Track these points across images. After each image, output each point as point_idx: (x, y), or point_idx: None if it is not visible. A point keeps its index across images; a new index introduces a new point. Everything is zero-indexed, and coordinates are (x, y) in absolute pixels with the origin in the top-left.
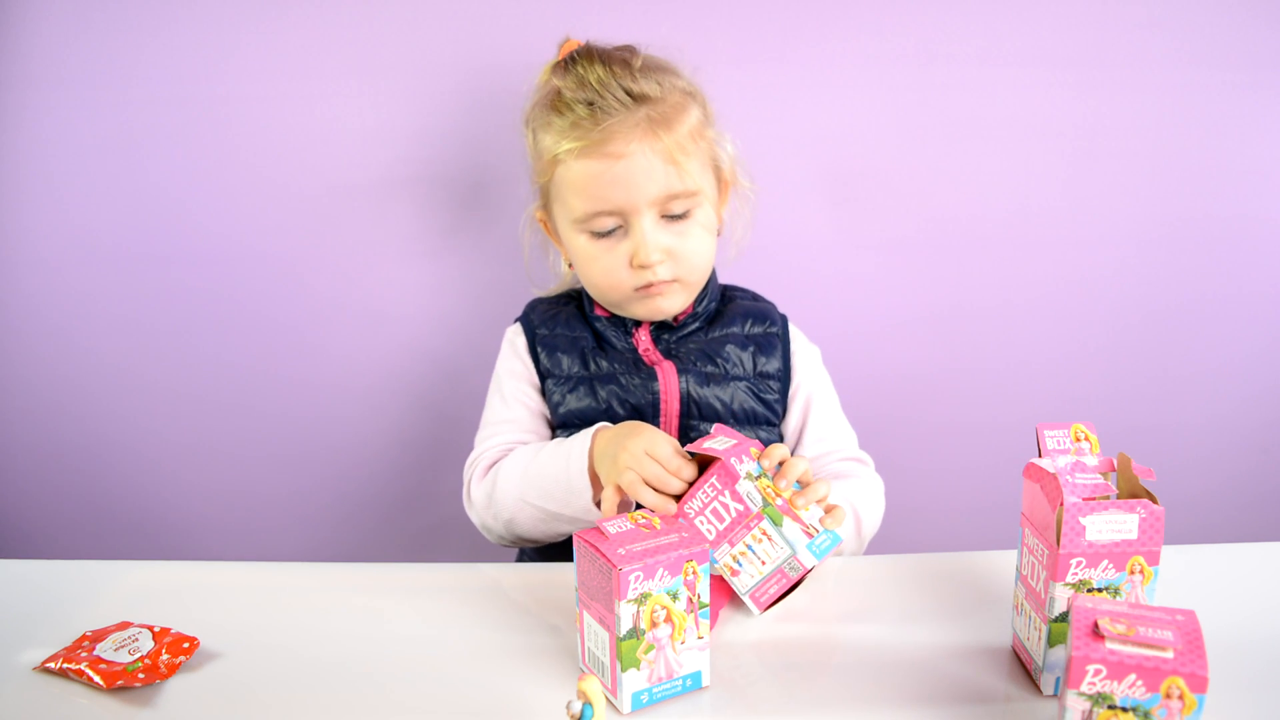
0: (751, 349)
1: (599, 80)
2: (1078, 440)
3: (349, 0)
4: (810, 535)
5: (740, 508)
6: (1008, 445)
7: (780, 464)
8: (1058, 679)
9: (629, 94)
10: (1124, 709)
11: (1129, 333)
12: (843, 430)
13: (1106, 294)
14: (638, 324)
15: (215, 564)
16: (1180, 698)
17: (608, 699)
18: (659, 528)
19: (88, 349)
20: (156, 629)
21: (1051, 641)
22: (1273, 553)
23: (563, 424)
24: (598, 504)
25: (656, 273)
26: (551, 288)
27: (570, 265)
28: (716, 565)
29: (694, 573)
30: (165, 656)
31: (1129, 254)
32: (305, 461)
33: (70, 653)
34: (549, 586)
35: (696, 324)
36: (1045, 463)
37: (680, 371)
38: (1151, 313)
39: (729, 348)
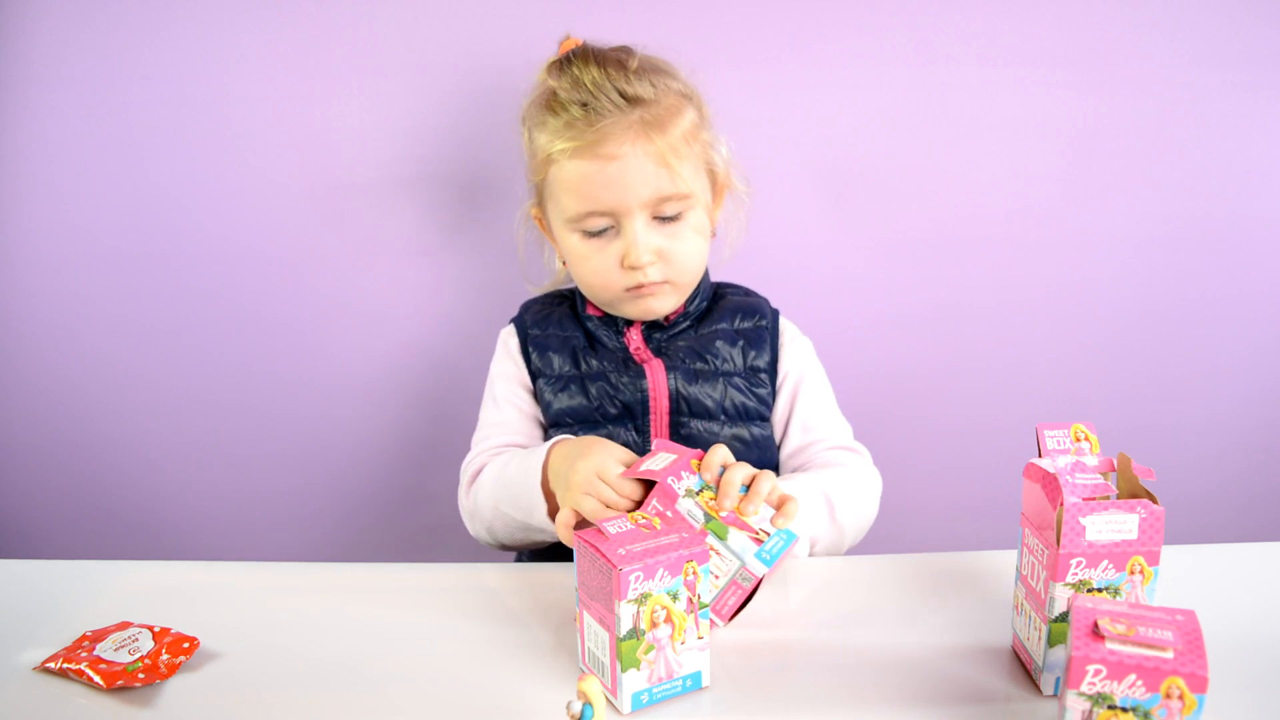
0: (741, 343)
1: (593, 81)
2: (1078, 440)
3: (349, 1)
4: (759, 541)
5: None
6: (1008, 445)
7: (724, 468)
8: (1058, 679)
9: (623, 95)
10: (1124, 709)
11: (1129, 333)
12: (832, 421)
13: (1106, 294)
14: (629, 323)
15: (215, 564)
16: (1180, 698)
17: (608, 699)
18: (659, 528)
19: (88, 349)
20: (156, 629)
21: (1051, 641)
22: (1273, 553)
23: (554, 423)
24: (552, 517)
25: (647, 274)
26: (546, 284)
27: (564, 263)
28: None
29: (694, 573)
30: (165, 656)
31: (1129, 254)
32: (305, 461)
33: (70, 653)
34: (549, 586)
35: (687, 323)
36: (1045, 463)
37: (669, 369)
38: (1151, 313)
39: (718, 343)
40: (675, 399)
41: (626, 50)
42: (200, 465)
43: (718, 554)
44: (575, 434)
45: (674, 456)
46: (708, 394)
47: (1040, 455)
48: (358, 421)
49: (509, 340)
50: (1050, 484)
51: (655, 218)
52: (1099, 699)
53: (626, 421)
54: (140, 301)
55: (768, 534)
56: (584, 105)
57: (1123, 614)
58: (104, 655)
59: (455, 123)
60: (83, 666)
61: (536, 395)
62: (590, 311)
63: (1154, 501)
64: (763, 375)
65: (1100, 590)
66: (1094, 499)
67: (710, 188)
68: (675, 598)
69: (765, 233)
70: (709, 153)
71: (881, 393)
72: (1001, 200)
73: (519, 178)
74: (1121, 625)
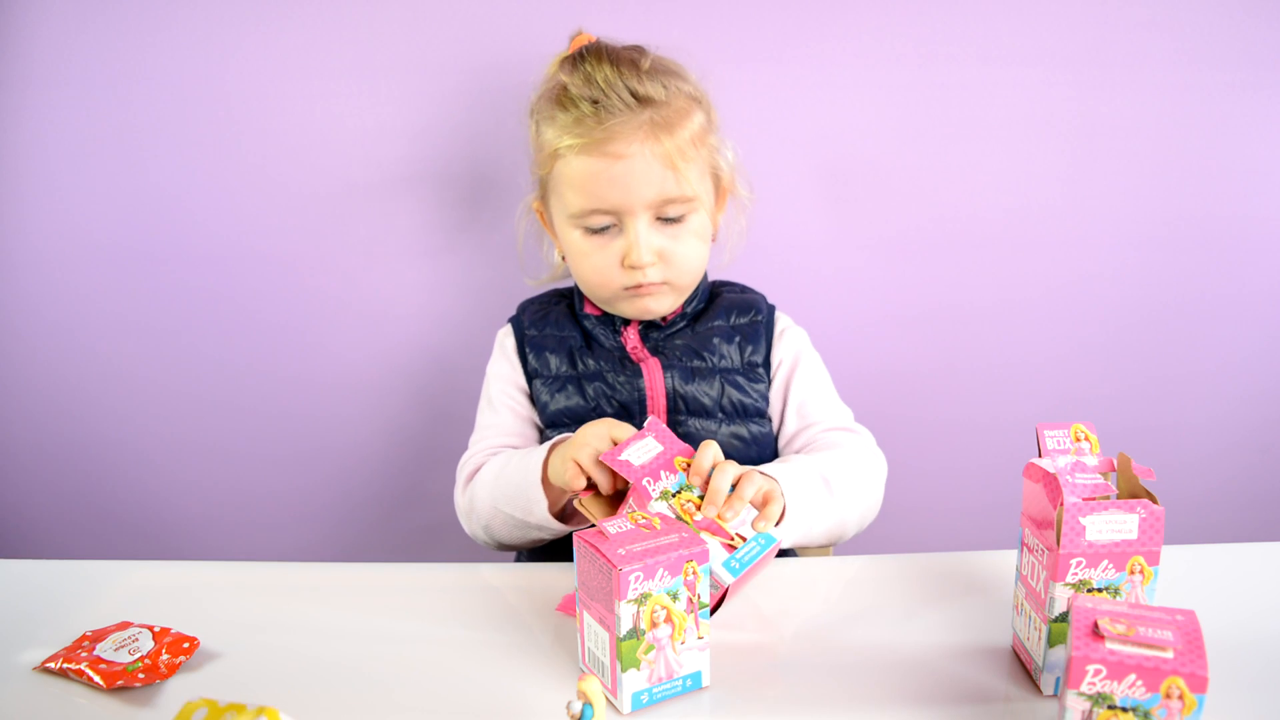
0: (738, 339)
1: (605, 79)
2: (1078, 440)
3: (349, 1)
4: (732, 548)
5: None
6: (1008, 445)
7: (712, 468)
8: (1058, 679)
9: (634, 95)
10: (1124, 709)
11: (1129, 332)
12: (829, 404)
13: (1106, 293)
14: (626, 322)
15: (215, 564)
16: (1180, 698)
17: (608, 699)
18: (659, 528)
19: (88, 349)
20: (156, 629)
21: (1051, 641)
22: (1273, 553)
23: (551, 424)
24: (555, 515)
25: (647, 274)
26: (543, 278)
27: (563, 258)
28: None
29: (694, 573)
30: (165, 656)
31: (1129, 254)
32: (305, 461)
33: (70, 653)
34: (549, 586)
35: (684, 323)
36: (1045, 463)
37: (665, 368)
38: (1151, 313)
39: (715, 340)
40: (673, 397)
41: (639, 50)
42: (200, 465)
43: None
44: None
45: (660, 449)
46: (705, 392)
47: (1040, 455)
48: (357, 421)
49: (505, 341)
50: (1050, 484)
51: (658, 219)
52: (1099, 699)
53: (624, 421)
54: (140, 301)
55: (744, 539)
56: (594, 102)
57: (1123, 614)
58: (104, 655)
59: (456, 123)
60: (83, 666)
61: (533, 396)
62: (588, 310)
63: (1154, 501)
64: (760, 370)
65: (1100, 590)
66: (1094, 499)
67: (714, 191)
68: (675, 598)
69: (764, 233)
70: (715, 157)
71: (881, 392)
72: (1001, 200)
73: (520, 177)
74: (1121, 625)
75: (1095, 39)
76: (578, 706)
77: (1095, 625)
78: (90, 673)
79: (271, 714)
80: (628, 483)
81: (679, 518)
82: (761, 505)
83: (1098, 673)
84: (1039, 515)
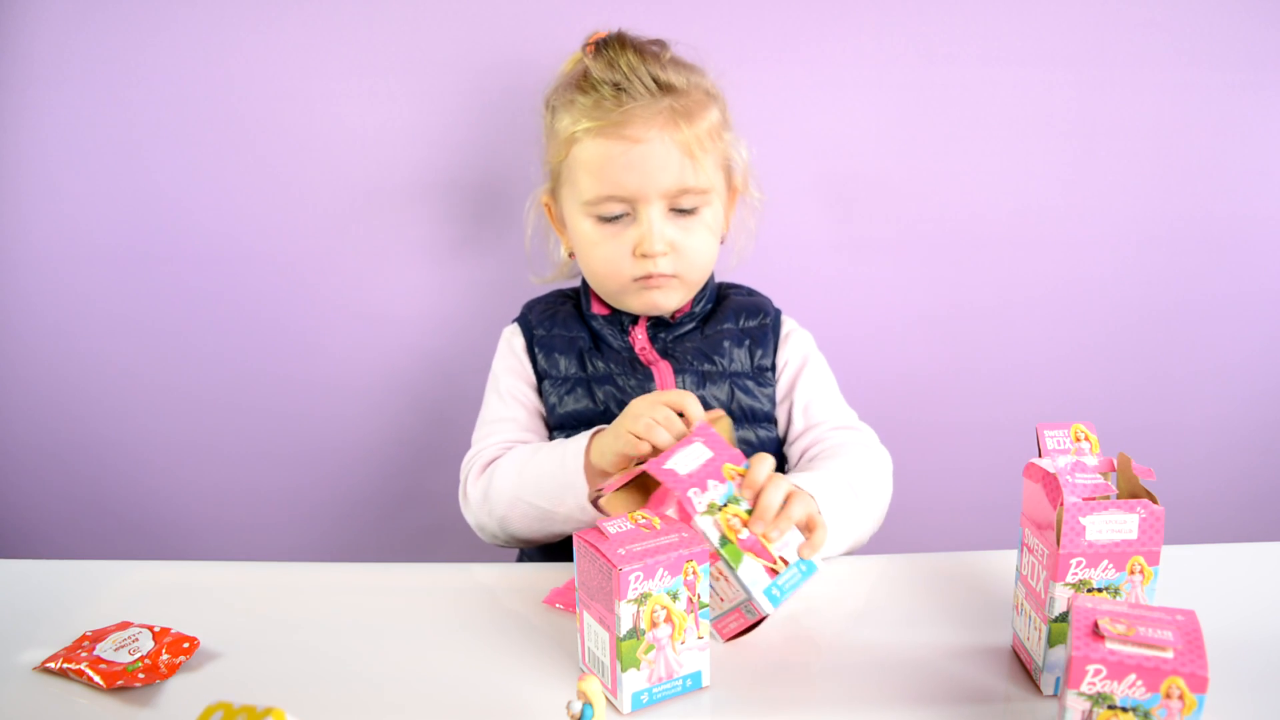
0: (747, 343)
1: (628, 64)
2: (1078, 440)
3: (349, 1)
4: (774, 572)
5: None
6: (1008, 445)
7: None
8: (1058, 679)
9: (656, 81)
10: (1124, 709)
11: (1129, 333)
12: (834, 405)
13: (1106, 294)
14: (634, 322)
15: (215, 564)
16: (1180, 698)
17: (608, 699)
18: (659, 528)
19: (88, 349)
20: (156, 629)
21: (1051, 641)
22: (1273, 553)
23: (559, 425)
24: (593, 502)
25: (658, 264)
26: (549, 275)
27: (571, 254)
28: None
29: (694, 573)
30: (165, 656)
31: (1129, 254)
32: (305, 461)
33: (70, 653)
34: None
35: (693, 324)
36: (1045, 463)
37: (677, 371)
38: (1151, 313)
39: (726, 344)
40: None
41: (661, 43)
42: (200, 465)
43: (726, 580)
44: None
45: (710, 455)
46: (715, 396)
47: (1040, 455)
48: (357, 421)
49: (513, 340)
50: (1050, 484)
51: (672, 209)
52: (1099, 699)
53: None
54: (140, 301)
55: (787, 563)
56: (616, 86)
57: (1123, 614)
58: (104, 655)
59: (459, 124)
60: (83, 666)
61: (541, 396)
62: (596, 310)
63: (1154, 501)
64: (768, 374)
65: (1100, 590)
66: (1094, 499)
67: (726, 189)
68: (675, 597)
69: (765, 233)
70: (729, 153)
71: (881, 392)
72: (1001, 200)
73: (523, 178)
74: (1121, 625)
75: (1095, 39)
76: (578, 706)
77: (1095, 625)
78: (90, 673)
79: (278, 715)
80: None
81: (723, 535)
82: (806, 529)
83: (1098, 673)
84: (1039, 515)
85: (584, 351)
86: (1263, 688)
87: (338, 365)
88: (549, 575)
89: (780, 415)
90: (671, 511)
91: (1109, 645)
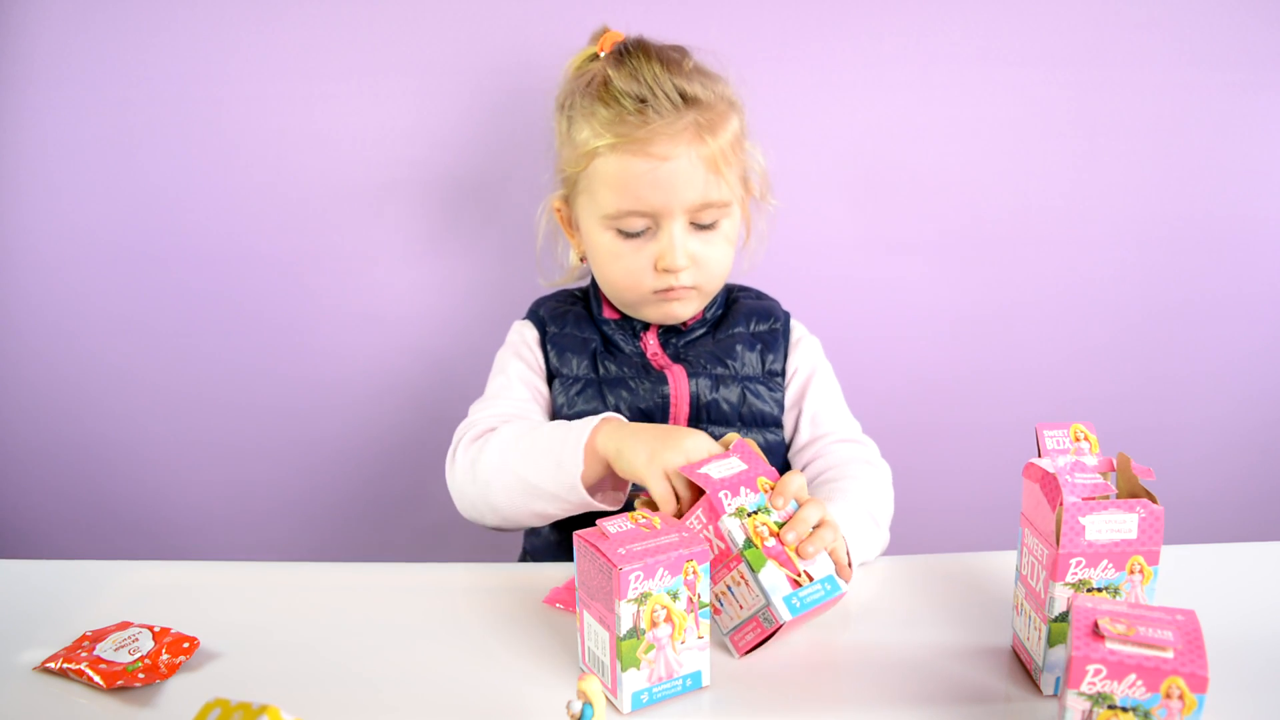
0: (759, 347)
1: (653, 76)
2: (1077, 440)
3: (349, 1)
4: (797, 584)
5: (723, 546)
6: (1008, 446)
7: (798, 504)
8: (1058, 679)
9: (681, 95)
10: (1124, 709)
11: (1129, 333)
12: (840, 415)
13: (1107, 294)
14: (646, 327)
15: (215, 564)
16: (1180, 698)
17: (608, 699)
18: (659, 527)
19: (88, 349)
20: (156, 629)
21: (1051, 641)
22: (1273, 553)
23: None
24: (586, 485)
25: (680, 278)
26: (558, 279)
27: (582, 259)
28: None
29: (694, 572)
30: (165, 656)
31: (1129, 254)
32: (305, 461)
33: (70, 653)
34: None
35: (704, 328)
36: (1045, 462)
37: (691, 375)
38: (1152, 313)
39: (738, 348)
40: (696, 406)
41: (681, 50)
42: (200, 465)
43: (747, 585)
44: None
45: (744, 467)
46: (727, 399)
47: (1040, 455)
48: (357, 422)
49: (525, 332)
50: (1050, 484)
51: (693, 223)
52: (1099, 699)
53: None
54: (140, 301)
55: (811, 578)
56: (640, 100)
57: (1123, 614)
58: (104, 655)
59: (459, 125)
60: (83, 666)
61: (551, 394)
62: (607, 314)
63: (1153, 501)
64: (778, 379)
65: (1100, 590)
66: (1093, 499)
67: (744, 197)
68: (675, 597)
69: (768, 236)
70: (749, 162)
71: (882, 394)
72: (1001, 201)
73: (523, 179)
74: (1121, 625)
75: (1095, 39)
76: (578, 706)
77: (1095, 625)
78: (90, 673)
79: (273, 713)
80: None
81: (749, 538)
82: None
83: (1098, 673)
84: (1038, 515)
85: (596, 353)
86: (1263, 688)
87: (337, 365)
88: (549, 575)
89: (787, 422)
90: (694, 521)
91: (1109, 645)
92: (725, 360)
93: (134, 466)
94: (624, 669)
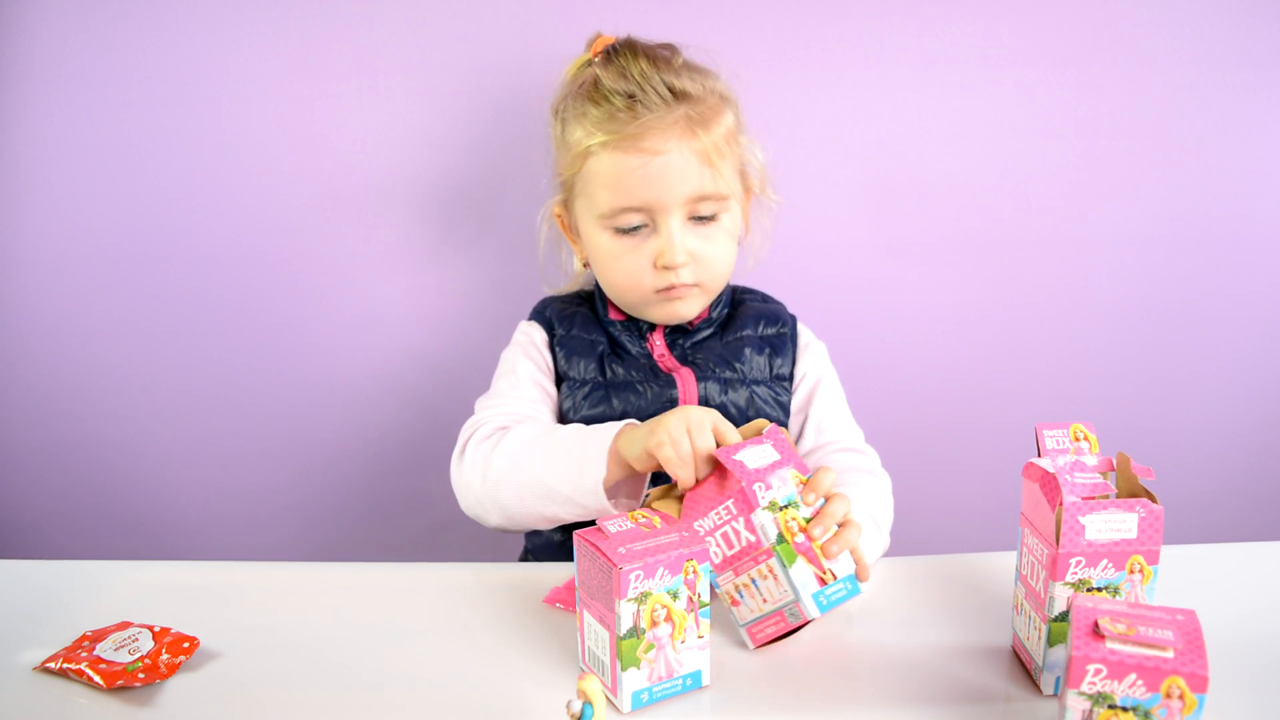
0: (767, 351)
1: (641, 73)
2: (1077, 440)
3: (349, 1)
4: (823, 582)
5: (752, 539)
6: (1008, 446)
7: (825, 499)
8: (1058, 679)
9: (670, 90)
10: (1124, 709)
11: (1129, 333)
12: (845, 423)
13: (1107, 294)
14: (653, 328)
15: (215, 564)
16: (1180, 697)
17: (608, 698)
18: (659, 527)
19: (88, 349)
20: (156, 629)
21: (1051, 641)
22: (1273, 553)
23: None
24: (606, 489)
25: (680, 275)
26: (561, 287)
27: (586, 264)
28: (718, 591)
29: (694, 572)
30: (165, 656)
31: (1129, 254)
32: (305, 461)
33: (70, 653)
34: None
35: (711, 329)
36: (1044, 462)
37: (699, 379)
38: (1152, 313)
39: (746, 351)
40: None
41: (671, 48)
42: (200, 465)
43: (774, 579)
44: None
45: (777, 458)
46: (735, 403)
47: (1040, 455)
48: (358, 422)
49: (533, 333)
50: (1049, 483)
51: (691, 218)
52: (1099, 698)
53: None
54: (140, 301)
55: (835, 576)
56: (630, 96)
57: (1123, 613)
58: (104, 655)
59: (458, 125)
60: (83, 666)
61: (559, 397)
62: (613, 316)
63: (1154, 501)
64: (786, 383)
65: (1100, 589)
66: (1093, 498)
67: (743, 192)
68: (675, 596)
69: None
70: (746, 156)
71: (882, 394)
72: (1001, 201)
73: (524, 180)
74: (1121, 625)
75: (1095, 39)
76: (578, 706)
77: (1095, 625)
78: (90, 673)
79: None
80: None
81: (781, 534)
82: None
83: (1098, 672)
84: (1038, 515)
85: (603, 356)
86: (1263, 688)
87: (337, 365)
88: (549, 575)
89: (793, 427)
90: (715, 517)
91: (1109, 645)
92: (733, 363)
93: (134, 466)
94: (624, 668)
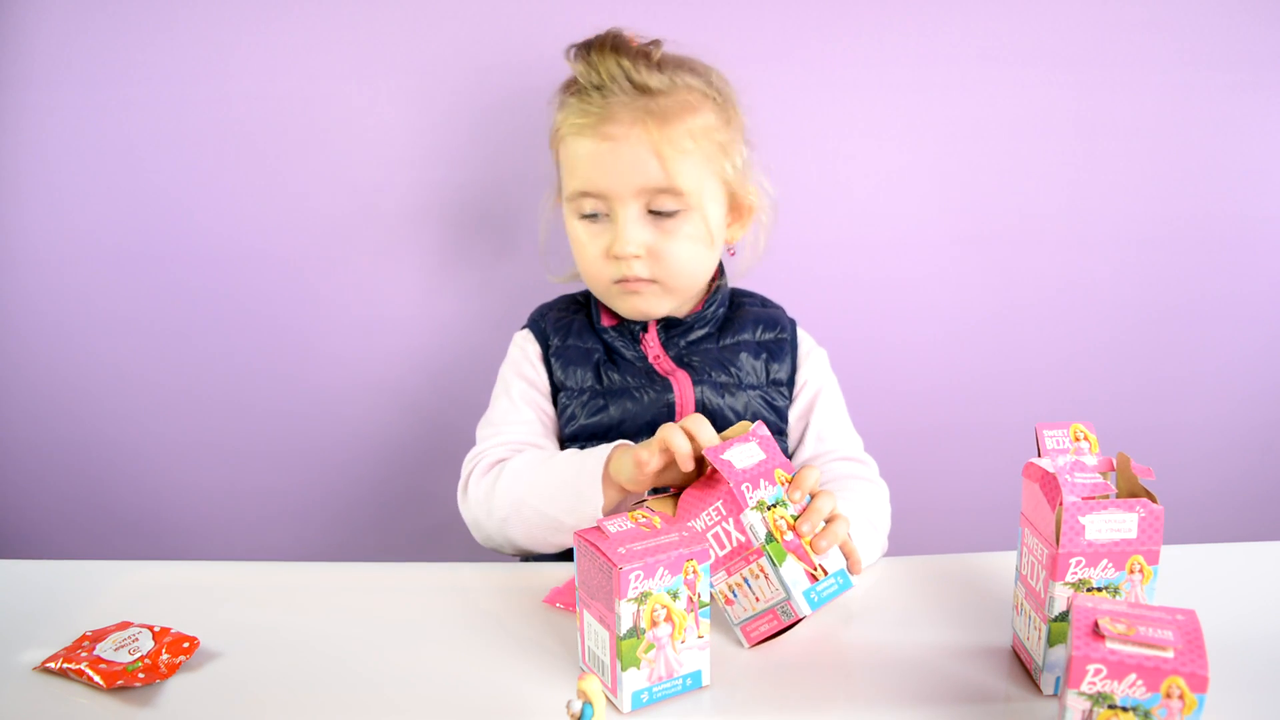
0: (764, 356)
1: (608, 69)
2: (1077, 440)
3: (349, 1)
4: (814, 579)
5: (742, 539)
6: (1008, 447)
7: (810, 497)
8: (1058, 679)
9: (633, 82)
10: (1124, 709)
11: (1129, 333)
12: (845, 432)
13: (1107, 294)
14: (645, 328)
15: (215, 564)
16: (1180, 697)
17: (608, 698)
18: (659, 527)
19: (88, 349)
20: (156, 629)
21: (1051, 641)
22: (1273, 552)
23: (574, 437)
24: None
25: (632, 268)
26: (564, 274)
27: None
28: (713, 591)
29: (694, 572)
30: (165, 656)
31: (1129, 254)
32: (305, 461)
33: (70, 653)
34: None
35: (706, 329)
36: (1045, 462)
37: (695, 382)
38: (1152, 313)
39: (742, 356)
40: (700, 412)
41: (656, 43)
42: (200, 465)
43: (766, 578)
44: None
45: (762, 457)
46: (731, 407)
47: (1040, 455)
48: (358, 422)
49: (526, 346)
50: (1049, 483)
51: (650, 211)
52: (1099, 698)
53: (649, 437)
54: (140, 301)
55: (826, 572)
56: (597, 88)
57: (1123, 613)
58: (104, 655)
59: (459, 125)
60: (83, 666)
61: (556, 405)
62: (605, 322)
63: (1154, 501)
64: (783, 389)
65: (1100, 589)
66: (1093, 498)
67: (724, 196)
68: (675, 596)
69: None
70: (725, 157)
71: (881, 394)
72: (1001, 201)
73: (524, 181)
74: (1121, 625)
75: (1095, 39)
76: (578, 706)
77: (1095, 625)
78: (90, 673)
79: None
80: (690, 481)
81: (770, 533)
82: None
83: (1098, 672)
84: (1038, 515)
85: (600, 364)
86: (1263, 688)
87: (336, 365)
88: (549, 575)
89: (793, 434)
90: (705, 519)
91: (1109, 645)
92: (729, 368)
93: (134, 466)
94: (624, 668)
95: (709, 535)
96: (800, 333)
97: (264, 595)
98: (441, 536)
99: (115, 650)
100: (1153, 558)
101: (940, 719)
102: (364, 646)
